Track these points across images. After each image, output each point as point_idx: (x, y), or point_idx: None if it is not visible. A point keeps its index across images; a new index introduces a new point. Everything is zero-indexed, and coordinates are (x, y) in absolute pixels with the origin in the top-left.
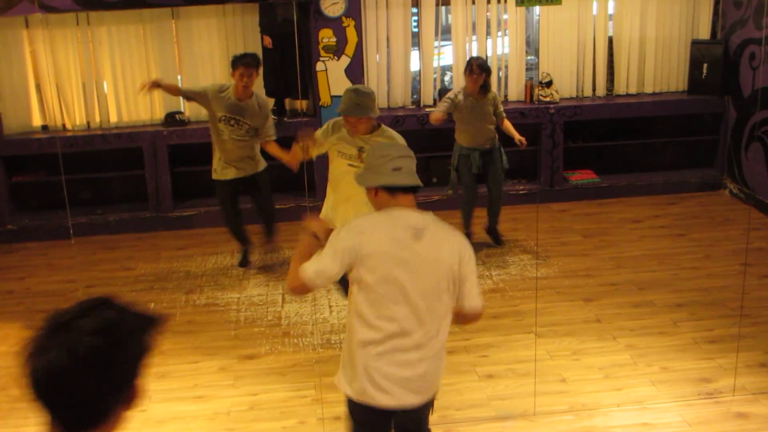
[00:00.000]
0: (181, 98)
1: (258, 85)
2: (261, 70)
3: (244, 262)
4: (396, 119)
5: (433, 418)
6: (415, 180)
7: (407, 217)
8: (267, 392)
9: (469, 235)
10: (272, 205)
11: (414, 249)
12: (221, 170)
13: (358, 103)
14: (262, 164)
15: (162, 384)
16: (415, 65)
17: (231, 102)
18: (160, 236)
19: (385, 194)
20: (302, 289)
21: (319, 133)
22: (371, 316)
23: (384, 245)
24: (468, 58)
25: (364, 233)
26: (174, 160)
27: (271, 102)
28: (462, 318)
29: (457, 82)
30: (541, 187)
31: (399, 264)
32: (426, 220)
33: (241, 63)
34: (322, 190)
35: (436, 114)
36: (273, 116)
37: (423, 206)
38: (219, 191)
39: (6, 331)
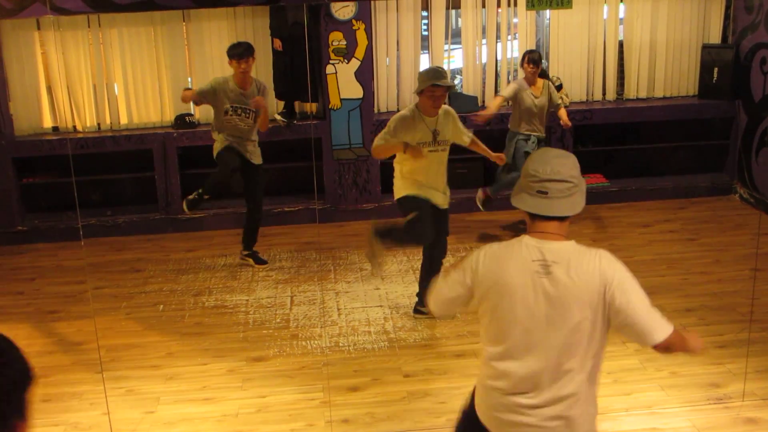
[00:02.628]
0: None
1: (268, 87)
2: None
3: (191, 204)
4: None
5: (440, 422)
6: (556, 210)
7: (537, 249)
8: (275, 395)
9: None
10: (261, 204)
11: (539, 285)
12: (227, 143)
13: (442, 74)
14: (260, 159)
15: (171, 386)
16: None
17: (236, 93)
18: (169, 238)
19: (527, 216)
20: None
21: (389, 135)
22: (490, 351)
23: (504, 279)
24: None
25: (489, 264)
26: (183, 162)
27: (280, 104)
28: (662, 351)
29: (466, 85)
30: None
31: (518, 301)
32: (562, 250)
33: (237, 53)
34: (330, 193)
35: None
36: (280, 118)
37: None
38: (225, 154)
39: (16, 332)
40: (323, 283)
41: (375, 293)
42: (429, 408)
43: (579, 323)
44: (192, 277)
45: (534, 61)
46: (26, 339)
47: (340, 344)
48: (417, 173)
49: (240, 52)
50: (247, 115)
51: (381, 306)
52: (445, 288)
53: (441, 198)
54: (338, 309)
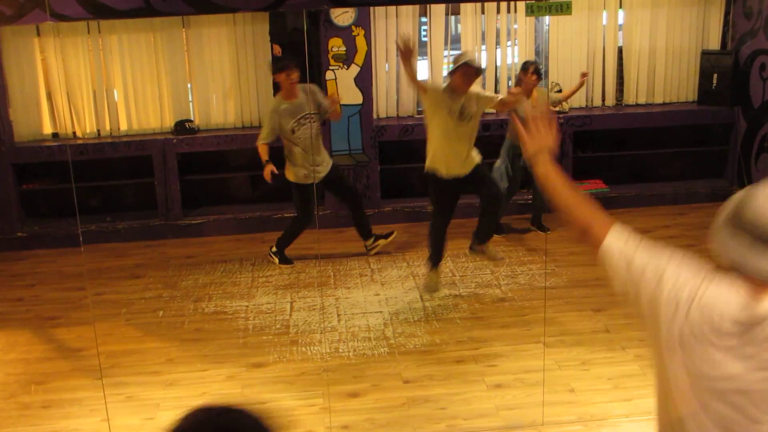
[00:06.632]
0: (190, 106)
1: (268, 93)
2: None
3: (284, 260)
4: (404, 128)
5: (440, 428)
6: None
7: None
8: (275, 401)
9: (501, 227)
10: (356, 191)
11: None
12: (304, 176)
13: (476, 59)
14: (330, 159)
15: (170, 392)
16: (423, 74)
17: (290, 108)
18: (169, 244)
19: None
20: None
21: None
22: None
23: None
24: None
25: (694, 307)
26: (183, 168)
27: None
28: None
29: None
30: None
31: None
32: None
33: (287, 66)
34: (330, 197)
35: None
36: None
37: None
38: (300, 193)
39: (15, 338)
40: (323, 288)
41: (375, 299)
42: (429, 414)
43: None
44: (192, 283)
45: (537, 71)
46: (26, 345)
47: (340, 350)
48: (434, 144)
49: (284, 65)
50: (312, 120)
51: (381, 312)
52: (643, 256)
53: (459, 167)
54: (338, 315)
